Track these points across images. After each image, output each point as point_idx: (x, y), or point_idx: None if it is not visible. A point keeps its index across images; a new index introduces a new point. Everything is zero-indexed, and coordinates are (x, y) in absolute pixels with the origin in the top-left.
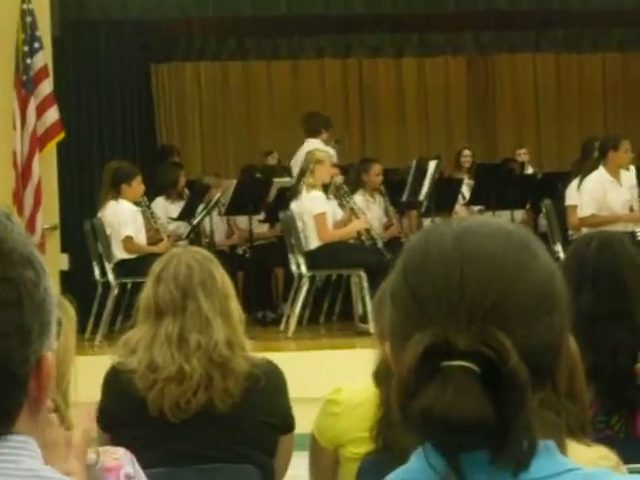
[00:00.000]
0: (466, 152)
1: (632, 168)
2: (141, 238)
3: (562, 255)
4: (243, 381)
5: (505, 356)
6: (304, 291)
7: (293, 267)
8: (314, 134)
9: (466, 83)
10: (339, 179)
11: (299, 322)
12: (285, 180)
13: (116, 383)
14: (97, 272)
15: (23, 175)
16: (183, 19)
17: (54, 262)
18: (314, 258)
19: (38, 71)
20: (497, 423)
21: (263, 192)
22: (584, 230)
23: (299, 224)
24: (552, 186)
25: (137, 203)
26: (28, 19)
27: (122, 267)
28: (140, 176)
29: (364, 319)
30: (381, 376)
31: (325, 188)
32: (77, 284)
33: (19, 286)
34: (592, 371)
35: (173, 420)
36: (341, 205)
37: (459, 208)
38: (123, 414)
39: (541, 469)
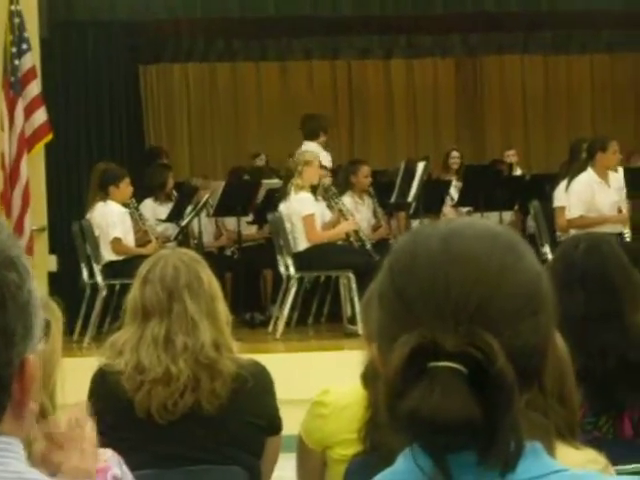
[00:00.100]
0: (454, 154)
1: (620, 169)
2: (129, 240)
3: (550, 256)
4: (230, 382)
5: (492, 357)
6: (292, 292)
7: (281, 268)
8: (312, 137)
9: (454, 85)
10: (327, 180)
11: (287, 324)
12: (273, 182)
13: (103, 385)
14: (85, 274)
15: (11, 176)
16: (171, 20)
17: (42, 264)
18: (302, 259)
19: (26, 72)
20: (484, 424)
21: (251, 194)
22: (572, 232)
23: (287, 225)
24: (540, 187)
25: (125, 205)
26: (16, 20)
27: (110, 269)
28: (128, 178)
29: (352, 321)
30: (369, 377)
31: (314, 189)
32: (65, 286)
33: (2, 288)
34: (582, 373)
35: (160, 422)
36: (330, 206)
37: (447, 209)
38: (110, 416)
39: (528, 470)
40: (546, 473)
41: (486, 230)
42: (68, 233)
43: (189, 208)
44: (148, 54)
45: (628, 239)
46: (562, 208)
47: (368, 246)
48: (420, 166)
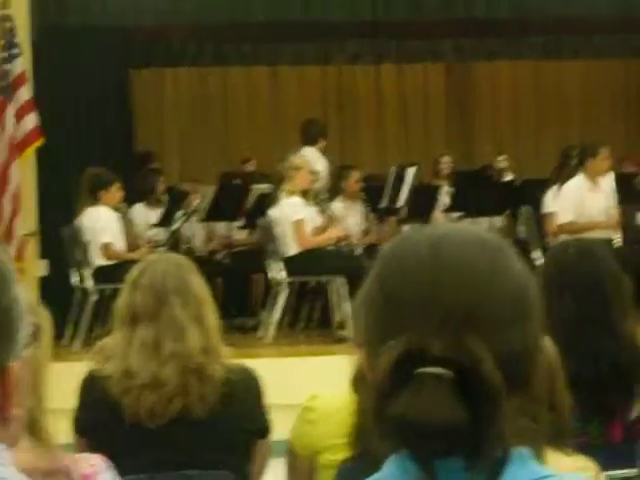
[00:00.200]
0: (445, 159)
1: (611, 175)
2: (120, 244)
3: (541, 262)
4: (219, 387)
5: (479, 363)
6: (283, 297)
7: (272, 273)
8: (311, 142)
9: (445, 90)
10: (318, 186)
11: (278, 328)
12: (264, 187)
13: (92, 389)
14: (76, 278)
15: (1, 181)
16: (162, 25)
17: (33, 268)
18: (293, 264)
19: (17, 77)
20: (471, 429)
21: (242, 198)
22: (562, 237)
23: (278, 230)
24: (531, 193)
25: (116, 209)
26: (7, 25)
27: (101, 273)
28: (119, 182)
29: (342, 326)
30: (359, 383)
31: (304, 194)
32: (55, 290)
33: None
34: (573, 378)
35: (149, 426)
36: (320, 211)
37: (438, 215)
38: (99, 421)
39: (514, 476)
40: (533, 479)
41: (475, 236)
42: (58, 238)
43: (179, 213)
44: (139, 59)
45: (618, 245)
46: (551, 214)
47: (358, 251)
48: (410, 171)
